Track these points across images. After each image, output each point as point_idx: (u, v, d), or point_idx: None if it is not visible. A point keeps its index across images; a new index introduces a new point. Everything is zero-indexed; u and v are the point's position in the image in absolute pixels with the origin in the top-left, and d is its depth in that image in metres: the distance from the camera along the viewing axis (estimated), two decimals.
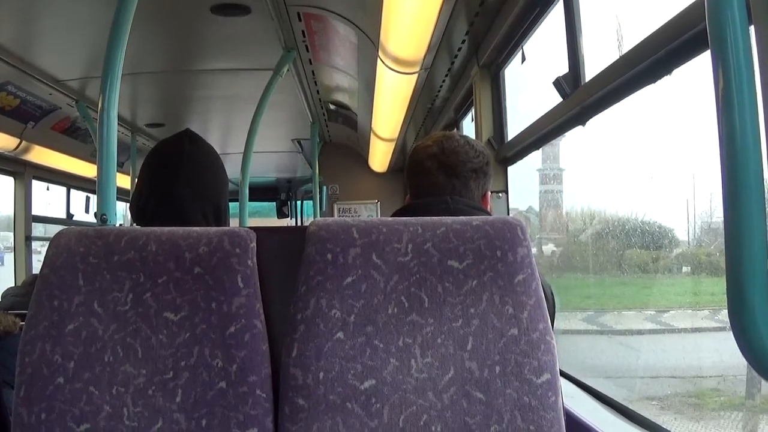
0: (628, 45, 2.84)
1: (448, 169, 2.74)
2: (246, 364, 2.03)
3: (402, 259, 2.06)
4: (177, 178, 2.57)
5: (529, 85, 5.38)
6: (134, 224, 2.64)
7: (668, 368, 4.03)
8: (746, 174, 1.49)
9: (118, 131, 3.66)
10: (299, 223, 14.75)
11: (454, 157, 2.75)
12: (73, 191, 10.24)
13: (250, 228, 2.18)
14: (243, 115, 7.82)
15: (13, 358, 2.11)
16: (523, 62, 4.72)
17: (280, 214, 15.45)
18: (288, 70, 6.66)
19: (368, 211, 12.43)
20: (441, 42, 5.06)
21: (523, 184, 5.45)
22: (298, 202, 15.46)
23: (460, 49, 5.29)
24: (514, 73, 5.20)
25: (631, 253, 4.32)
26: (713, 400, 3.48)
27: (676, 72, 2.58)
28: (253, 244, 2.12)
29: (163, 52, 6.55)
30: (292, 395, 2.00)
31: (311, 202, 11.66)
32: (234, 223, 3.31)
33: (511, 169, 5.14)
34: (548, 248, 6.26)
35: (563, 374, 3.47)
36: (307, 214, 15.25)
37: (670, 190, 3.77)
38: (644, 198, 4.08)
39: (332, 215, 12.11)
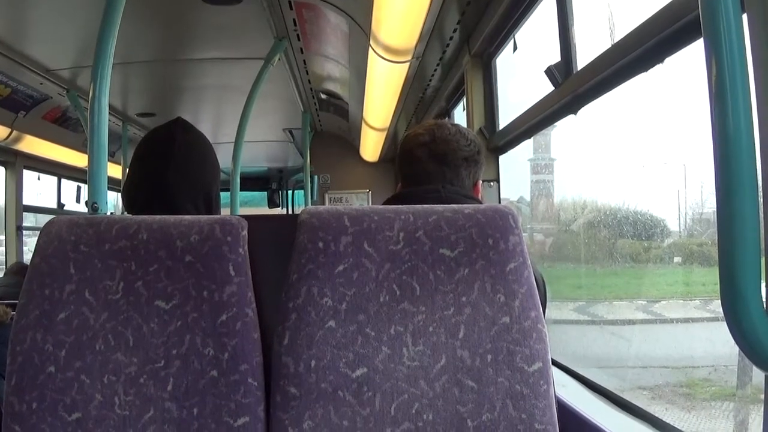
0: (621, 33, 2.84)
1: (439, 158, 2.74)
2: (237, 353, 2.03)
3: (394, 247, 2.05)
4: (168, 166, 2.57)
5: (521, 74, 5.39)
6: (125, 213, 2.63)
7: (660, 358, 4.04)
8: (739, 163, 1.49)
9: (109, 121, 3.67)
10: (290, 213, 14.73)
11: (445, 146, 2.75)
12: (64, 181, 10.23)
13: (242, 216, 2.18)
14: (234, 104, 7.83)
15: (4, 347, 2.10)
16: (515, 51, 4.72)
17: (271, 204, 15.45)
18: (279, 59, 6.66)
19: (360, 201, 12.43)
20: (432, 31, 5.06)
21: (514, 174, 5.45)
22: (290, 192, 15.46)
23: (451, 38, 5.29)
24: (505, 62, 5.20)
25: (622, 243, 4.32)
26: (704, 390, 3.48)
27: (668, 60, 2.58)
28: (245, 233, 2.12)
29: (154, 42, 6.55)
30: (283, 383, 2.00)
31: (302, 191, 11.66)
32: (225, 213, 3.31)
33: (502, 159, 5.14)
34: (539, 237, 6.27)
35: (555, 363, 3.48)
36: (298, 203, 15.25)
37: (661, 180, 3.77)
38: (636, 188, 4.08)
39: (324, 205, 12.11)
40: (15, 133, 7.97)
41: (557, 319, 5.09)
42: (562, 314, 5.18)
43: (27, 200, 9.09)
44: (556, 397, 2.10)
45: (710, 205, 3.31)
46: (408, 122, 8.92)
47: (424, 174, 2.74)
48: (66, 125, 8.77)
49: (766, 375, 1.74)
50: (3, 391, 2.04)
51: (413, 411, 1.99)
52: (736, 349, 1.58)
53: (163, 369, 2.02)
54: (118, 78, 7.09)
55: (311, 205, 11.14)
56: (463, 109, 5.76)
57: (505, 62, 5.22)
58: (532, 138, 4.75)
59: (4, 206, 8.87)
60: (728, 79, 1.49)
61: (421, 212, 2.11)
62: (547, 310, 2.65)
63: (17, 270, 7.16)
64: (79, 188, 10.49)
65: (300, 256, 2.05)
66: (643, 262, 4.22)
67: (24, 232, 9.01)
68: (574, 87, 3.41)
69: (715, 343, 3.30)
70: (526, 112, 4.26)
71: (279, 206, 15.46)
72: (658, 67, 2.66)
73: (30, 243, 9.02)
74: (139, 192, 2.60)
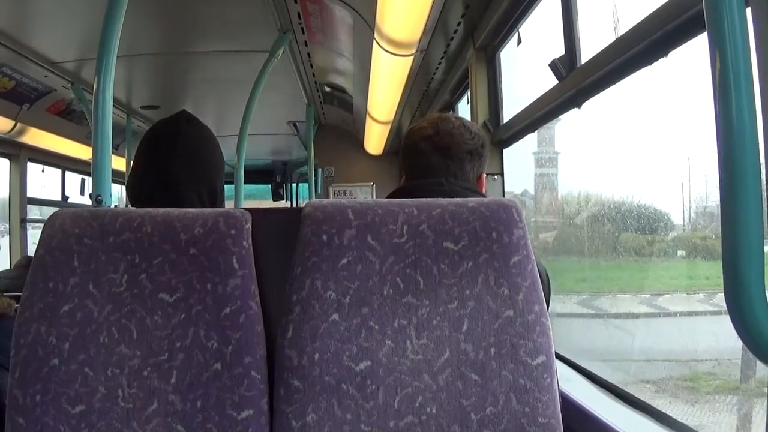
0: (625, 27, 2.84)
1: (443, 151, 2.74)
2: (241, 346, 2.03)
3: (397, 240, 2.06)
4: (173, 159, 2.57)
5: (525, 67, 5.39)
6: (129, 205, 2.64)
7: (663, 352, 4.04)
8: (743, 156, 1.49)
9: (114, 113, 3.67)
10: (295, 206, 14.72)
11: (449, 139, 2.75)
12: (68, 173, 10.24)
13: (246, 209, 2.18)
14: (238, 97, 7.82)
15: (7, 340, 2.10)
16: (519, 44, 4.72)
17: (276, 197, 15.45)
18: (283, 52, 6.67)
19: (363, 194, 12.45)
20: (437, 24, 5.05)
21: (518, 167, 5.45)
22: (294, 185, 15.46)
23: (456, 31, 5.29)
24: (510, 55, 5.20)
25: (626, 236, 4.32)
26: (708, 384, 3.48)
27: (672, 54, 2.58)
28: (249, 225, 2.12)
29: (158, 34, 6.55)
30: (287, 376, 2.01)
31: (306, 184, 11.67)
32: (229, 205, 3.32)
33: (506, 153, 5.14)
34: (543, 231, 6.27)
35: (559, 357, 3.48)
36: (302, 196, 15.26)
37: (665, 174, 3.77)
38: (640, 181, 4.08)
39: (328, 198, 12.11)
40: (19, 125, 7.97)
41: (561, 312, 5.10)
42: (566, 307, 5.18)
43: (31, 193, 9.08)
44: (559, 390, 2.10)
45: (714, 199, 3.31)
46: (412, 115, 8.92)
47: (427, 167, 2.74)
48: (70, 118, 8.77)
49: None
50: (6, 384, 2.05)
51: (417, 404, 2.00)
52: (740, 342, 1.58)
53: (167, 362, 2.02)
54: (123, 70, 7.10)
55: (315, 198, 11.15)
56: (467, 103, 5.77)
57: (509, 55, 5.22)
58: (536, 131, 4.75)
59: (8, 199, 8.87)
60: (732, 72, 1.49)
61: (424, 205, 2.11)
62: (550, 304, 2.65)
63: (25, 264, 7.17)
64: (83, 181, 10.49)
65: (304, 249, 2.06)
66: (647, 255, 4.22)
67: (28, 224, 9.01)
68: (578, 81, 3.41)
69: (718, 336, 3.30)
70: (530, 105, 4.26)
71: (283, 199, 15.47)
72: (662, 61, 2.66)
73: (35, 235, 9.03)
74: (143, 185, 2.60)
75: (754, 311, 1.50)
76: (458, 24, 5.13)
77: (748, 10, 1.68)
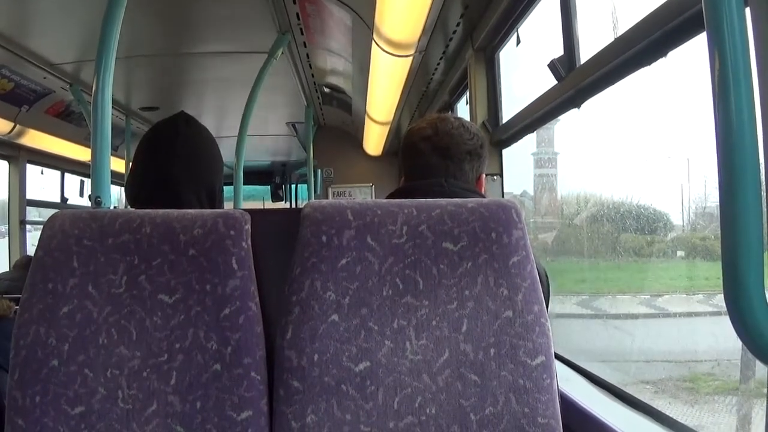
0: (624, 27, 2.84)
1: (442, 151, 2.73)
2: (240, 347, 2.03)
3: (397, 241, 2.05)
4: (172, 160, 2.57)
5: (525, 67, 5.39)
6: (129, 207, 2.63)
7: (663, 352, 4.04)
8: (742, 156, 1.48)
9: (113, 115, 3.66)
10: (294, 207, 14.71)
11: (448, 139, 2.75)
12: (67, 175, 10.25)
13: (245, 210, 2.17)
14: (237, 98, 7.83)
15: (7, 341, 2.10)
16: (518, 45, 4.72)
17: (275, 198, 15.46)
18: (282, 53, 6.66)
19: (363, 195, 12.45)
20: (436, 24, 5.06)
21: (517, 168, 5.45)
22: (293, 186, 15.47)
23: (455, 31, 5.29)
24: (509, 55, 5.20)
25: (626, 237, 4.32)
26: (707, 385, 3.48)
27: (671, 54, 2.58)
28: (248, 226, 2.12)
29: (157, 35, 6.55)
30: (286, 377, 2.00)
31: (306, 185, 11.67)
32: (228, 206, 3.32)
33: (505, 153, 5.14)
34: (542, 231, 6.27)
35: (558, 357, 3.48)
36: (301, 197, 15.27)
37: (665, 174, 3.77)
38: (639, 182, 4.08)
39: (327, 198, 12.11)
40: (18, 127, 7.99)
41: (560, 313, 5.10)
42: (566, 308, 5.18)
43: (30, 194, 9.09)
44: (559, 391, 2.10)
45: (714, 200, 3.31)
46: (411, 116, 8.92)
47: (427, 167, 2.74)
48: (69, 119, 8.78)
49: None
50: (6, 385, 2.05)
51: (416, 405, 1.99)
52: (740, 343, 1.57)
53: (166, 363, 2.02)
54: (122, 72, 7.10)
55: (314, 198, 11.14)
56: (467, 103, 5.77)
57: (508, 56, 5.22)
58: (535, 132, 4.75)
59: (7, 200, 8.88)
60: (731, 73, 1.49)
61: (424, 206, 2.10)
62: (550, 304, 2.65)
63: (25, 263, 7.18)
64: (82, 182, 10.51)
65: (303, 249, 2.05)
66: (647, 256, 4.21)
67: (27, 226, 9.02)
68: (577, 81, 3.41)
69: (718, 337, 3.30)
70: (529, 105, 4.26)
71: (282, 200, 15.48)
72: (661, 61, 2.66)
73: (34, 237, 9.03)
74: (142, 186, 2.60)
75: (753, 312, 1.49)
76: (457, 24, 5.13)
77: (748, 11, 1.67)
